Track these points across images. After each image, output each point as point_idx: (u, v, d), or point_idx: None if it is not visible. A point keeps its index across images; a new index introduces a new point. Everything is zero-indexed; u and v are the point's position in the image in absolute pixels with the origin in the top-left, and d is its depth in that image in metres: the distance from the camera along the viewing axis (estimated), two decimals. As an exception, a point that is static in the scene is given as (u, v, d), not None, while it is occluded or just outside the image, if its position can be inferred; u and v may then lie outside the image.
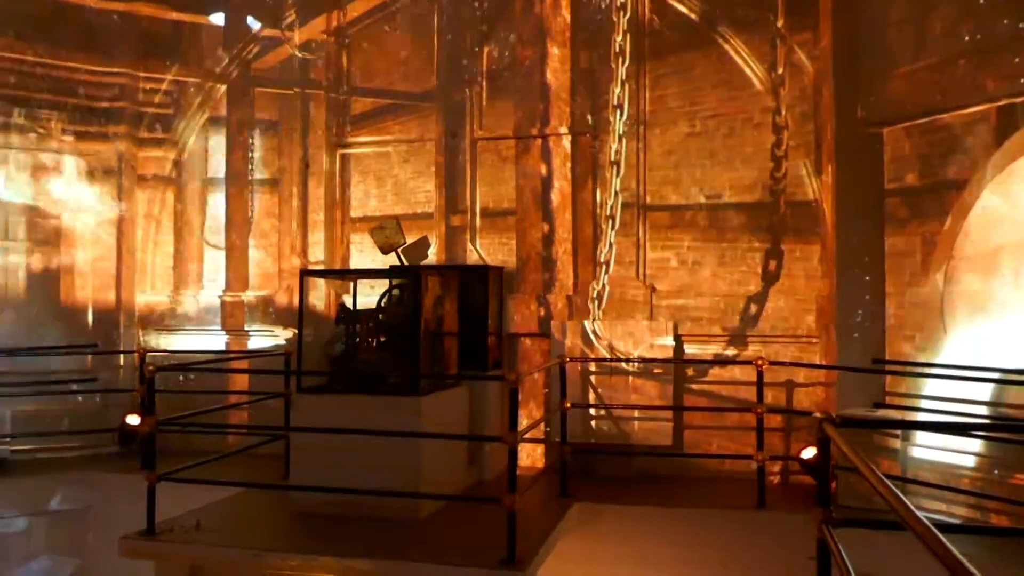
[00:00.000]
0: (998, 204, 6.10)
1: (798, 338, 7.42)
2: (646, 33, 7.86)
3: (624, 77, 7.60)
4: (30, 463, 8.12)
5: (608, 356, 7.60)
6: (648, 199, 7.88)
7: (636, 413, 7.50)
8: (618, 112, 7.60)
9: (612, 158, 7.63)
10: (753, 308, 7.56)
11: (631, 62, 7.63)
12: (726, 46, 7.70)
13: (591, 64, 8.07)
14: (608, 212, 7.67)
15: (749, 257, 7.63)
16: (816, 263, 7.39)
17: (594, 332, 7.61)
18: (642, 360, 7.52)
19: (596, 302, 7.68)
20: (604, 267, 7.68)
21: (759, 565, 6.04)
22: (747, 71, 7.63)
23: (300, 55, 9.20)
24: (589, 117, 8.07)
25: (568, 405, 6.78)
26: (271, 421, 7.67)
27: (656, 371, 7.55)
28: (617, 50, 7.59)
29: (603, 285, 7.67)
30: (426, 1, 8.78)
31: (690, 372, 7.67)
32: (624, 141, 7.61)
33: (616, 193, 7.62)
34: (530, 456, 7.76)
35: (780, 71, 7.44)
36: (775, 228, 7.53)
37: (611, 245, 7.65)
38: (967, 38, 6.30)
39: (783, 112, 7.44)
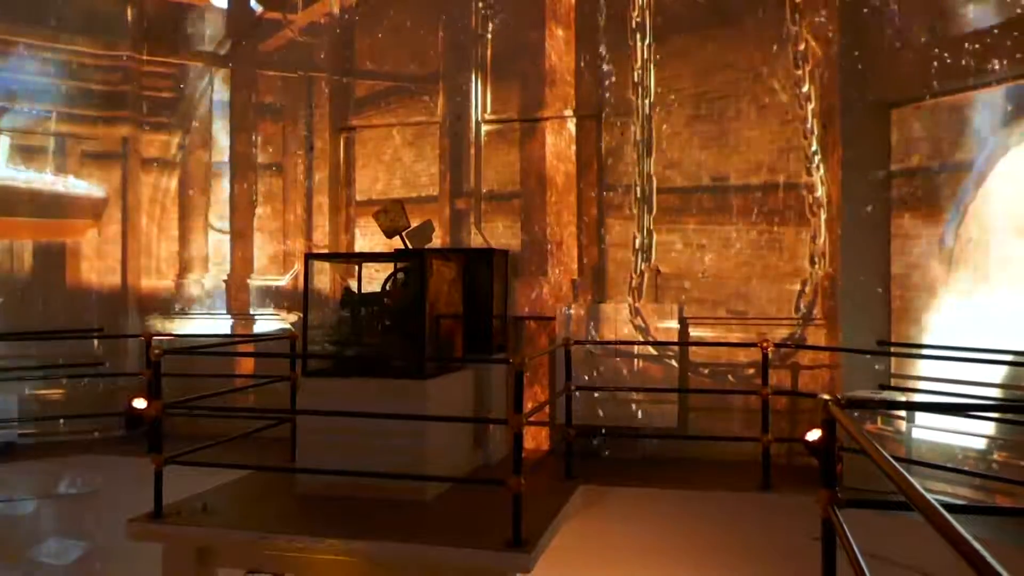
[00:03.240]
0: (1006, 186, 6.06)
1: (804, 320, 7.39)
2: (655, 14, 7.79)
3: (645, 55, 7.53)
4: (37, 447, 8.15)
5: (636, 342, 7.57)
6: (654, 181, 7.83)
7: (641, 396, 7.50)
8: (639, 90, 7.54)
9: (637, 137, 7.57)
10: (759, 290, 7.53)
11: (642, 41, 7.58)
12: (733, 27, 7.63)
13: (596, 46, 8.01)
14: (638, 195, 7.61)
15: (755, 239, 7.60)
16: (822, 245, 7.35)
17: (640, 327, 7.54)
18: (647, 343, 7.52)
19: (635, 292, 7.63)
20: (640, 255, 7.63)
21: (764, 546, 6.05)
22: (755, 52, 7.57)
23: (301, 39, 9.16)
24: (594, 99, 8.03)
25: (573, 388, 6.78)
26: (277, 405, 7.71)
27: (661, 353, 7.54)
28: (634, 26, 7.53)
29: (640, 272, 7.62)
30: (430, -17, 8.74)
31: (695, 355, 7.66)
32: (652, 122, 7.55)
33: (650, 176, 7.56)
34: (535, 439, 7.77)
35: (801, 47, 7.33)
36: (780, 209, 7.49)
37: (647, 231, 7.59)
38: (977, 17, 6.24)
39: (808, 88, 7.34)
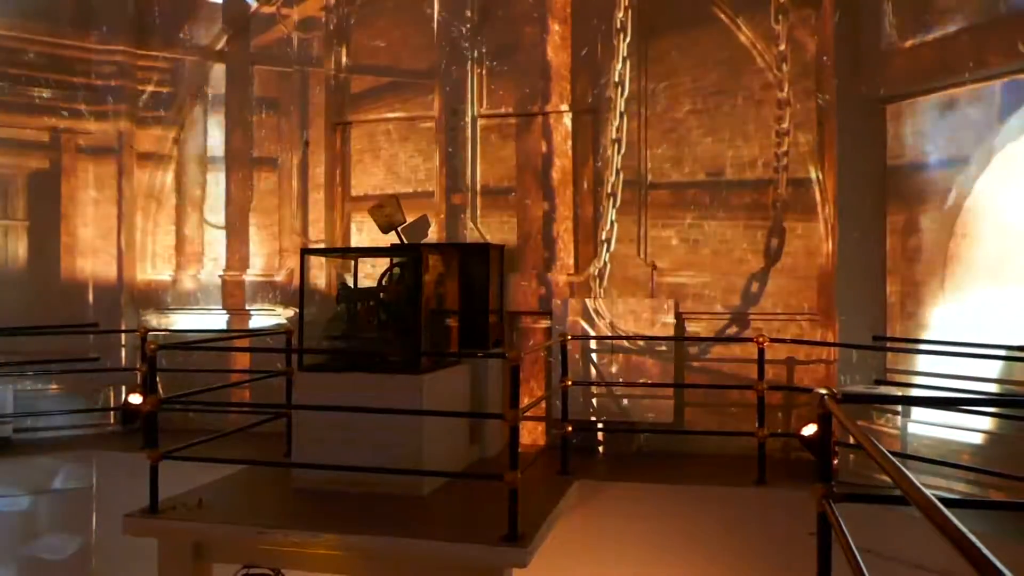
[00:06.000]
0: (1001, 181, 6.07)
1: (799, 315, 7.41)
2: (648, 9, 7.79)
3: (625, 54, 7.57)
4: (33, 442, 8.14)
5: (609, 334, 7.60)
6: (649, 177, 7.85)
7: (637, 391, 7.51)
8: (619, 89, 7.58)
9: (613, 135, 7.62)
10: (754, 286, 7.55)
11: (632, 39, 7.61)
12: (728, 22, 7.64)
13: (593, 41, 8.00)
14: (609, 190, 7.67)
15: (750, 235, 7.61)
16: (817, 240, 7.37)
17: (595, 311, 7.61)
18: (643, 338, 7.52)
19: (597, 280, 7.68)
20: (605, 245, 7.69)
21: (760, 541, 6.07)
22: (749, 47, 7.58)
23: (294, 35, 9.13)
24: (590, 94, 8.02)
25: (569, 383, 6.79)
26: (272, 399, 7.70)
27: (657, 349, 7.55)
28: (618, 26, 7.55)
29: (604, 263, 7.67)
30: (426, -23, 8.71)
31: (691, 350, 7.67)
32: (625, 118, 7.60)
33: (618, 171, 7.62)
34: (531, 434, 7.77)
35: (783, 47, 7.37)
36: (776, 205, 7.50)
37: (612, 223, 7.66)
38: (971, 12, 6.24)
39: (786, 88, 7.39)
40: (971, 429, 5.94)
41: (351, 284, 7.19)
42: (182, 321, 9.29)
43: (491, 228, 8.33)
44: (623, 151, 7.62)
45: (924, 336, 6.56)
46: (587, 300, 7.70)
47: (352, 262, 7.67)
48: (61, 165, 9.21)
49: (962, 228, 6.30)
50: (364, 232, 8.77)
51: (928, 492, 2.05)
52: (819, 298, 7.36)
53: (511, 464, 4.95)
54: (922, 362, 6.60)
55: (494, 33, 8.41)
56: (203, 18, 9.58)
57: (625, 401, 7.56)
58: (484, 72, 8.45)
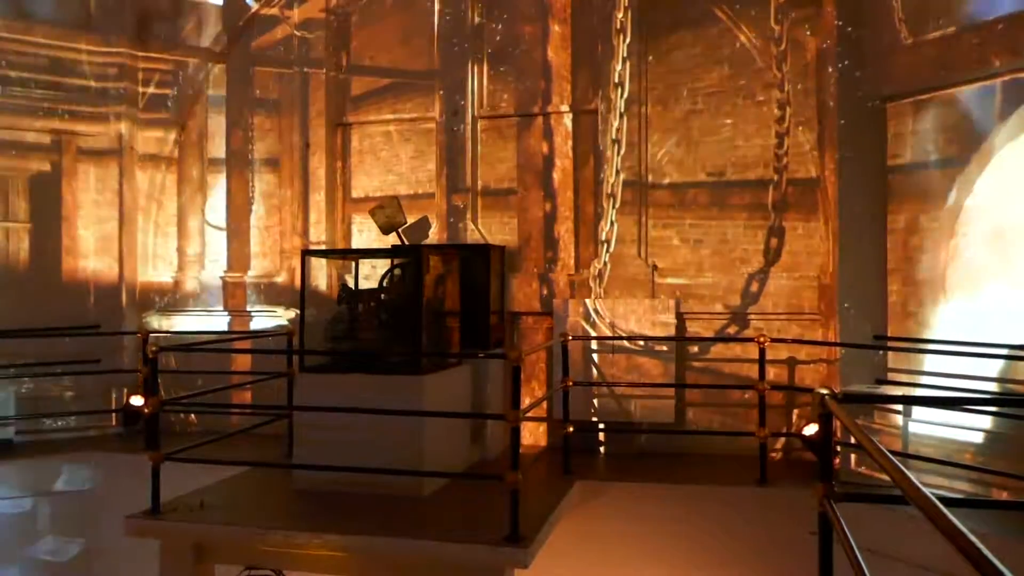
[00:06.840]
0: (1003, 180, 6.06)
1: (800, 315, 7.41)
2: (648, 9, 7.79)
3: (625, 54, 7.58)
4: (34, 444, 8.14)
5: (610, 334, 7.60)
6: (650, 177, 7.85)
7: (638, 391, 7.51)
8: (619, 90, 7.59)
9: (613, 136, 7.63)
10: (755, 286, 7.55)
11: (632, 39, 7.61)
12: (728, 22, 7.64)
13: (593, 41, 8.00)
14: (609, 190, 7.68)
15: (751, 235, 7.61)
16: (818, 240, 7.37)
17: (595, 310, 7.62)
18: (644, 338, 7.53)
19: (597, 280, 7.69)
20: (605, 245, 7.70)
21: (761, 541, 6.06)
22: (749, 47, 7.58)
23: (299, 34, 9.13)
24: (590, 95, 8.02)
25: (570, 383, 6.79)
26: (274, 401, 7.71)
27: (658, 349, 7.55)
28: (618, 27, 7.56)
29: (604, 263, 7.68)
30: (426, -22, 8.71)
31: (692, 350, 7.67)
32: (625, 119, 7.61)
33: (617, 171, 7.63)
34: (532, 434, 7.77)
35: (783, 46, 7.39)
36: (777, 205, 7.51)
37: (612, 223, 7.67)
38: (972, 11, 6.24)
39: (785, 87, 7.40)
40: (972, 428, 5.93)
41: (352, 285, 7.19)
42: (183, 323, 9.30)
43: (492, 229, 8.33)
44: (623, 151, 7.64)
45: (925, 335, 6.56)
46: (588, 300, 7.71)
47: (353, 263, 7.67)
48: (62, 167, 9.22)
49: (962, 228, 6.30)
50: (365, 233, 8.77)
51: (928, 492, 2.05)
52: (820, 298, 7.35)
53: (512, 465, 4.95)
54: (923, 361, 6.60)
55: (494, 33, 8.42)
56: (204, 19, 9.59)
57: (626, 401, 7.56)
58: (484, 73, 8.45)
